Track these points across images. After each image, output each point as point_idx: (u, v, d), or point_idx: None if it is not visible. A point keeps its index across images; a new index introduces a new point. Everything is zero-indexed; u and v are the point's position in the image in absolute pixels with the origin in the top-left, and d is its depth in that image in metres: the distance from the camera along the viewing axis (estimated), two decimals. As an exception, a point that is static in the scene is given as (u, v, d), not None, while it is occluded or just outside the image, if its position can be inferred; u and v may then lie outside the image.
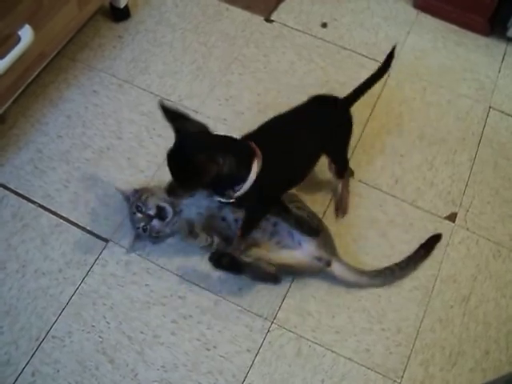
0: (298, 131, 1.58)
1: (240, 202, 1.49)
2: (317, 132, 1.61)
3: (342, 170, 1.82)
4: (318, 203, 1.86)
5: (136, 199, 1.66)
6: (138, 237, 1.70)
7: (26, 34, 1.66)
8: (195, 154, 1.33)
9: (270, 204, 1.59)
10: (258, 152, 1.44)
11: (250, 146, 1.45)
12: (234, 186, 1.44)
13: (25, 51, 1.67)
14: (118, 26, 2.23)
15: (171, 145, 1.38)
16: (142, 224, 1.64)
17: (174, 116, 1.39)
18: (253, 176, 1.42)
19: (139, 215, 1.65)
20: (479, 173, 1.99)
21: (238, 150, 1.43)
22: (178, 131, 1.38)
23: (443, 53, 2.31)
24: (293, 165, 1.58)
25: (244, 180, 1.42)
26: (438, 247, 1.81)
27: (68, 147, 1.92)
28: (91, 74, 2.10)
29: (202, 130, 1.40)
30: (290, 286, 1.71)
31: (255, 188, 1.44)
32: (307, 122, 1.61)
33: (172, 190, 1.41)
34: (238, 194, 1.45)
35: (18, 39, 1.65)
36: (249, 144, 1.45)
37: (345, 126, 1.72)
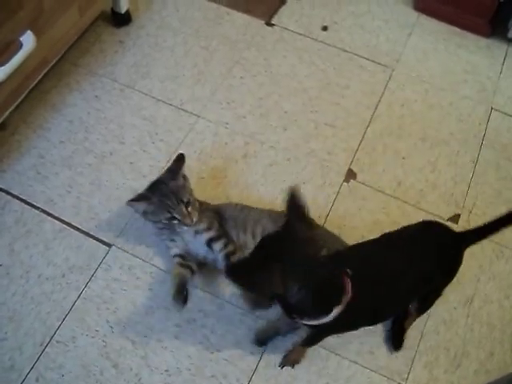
0: (400, 262, 1.37)
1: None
2: (421, 268, 1.39)
3: (425, 309, 1.63)
4: (320, 207, 1.86)
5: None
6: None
7: (28, 40, 1.67)
8: (271, 261, 1.16)
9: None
10: (348, 288, 1.22)
11: (341, 282, 1.23)
12: (303, 317, 1.26)
13: (26, 57, 1.68)
14: (119, 31, 2.24)
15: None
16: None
17: (294, 212, 1.23)
18: (331, 316, 1.22)
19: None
20: (482, 174, 1.99)
21: (322, 285, 1.19)
22: (284, 227, 1.21)
23: (444, 55, 2.31)
24: (385, 301, 1.37)
25: (317, 318, 1.23)
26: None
27: (70, 152, 1.92)
28: (93, 79, 2.10)
29: (305, 239, 1.20)
30: (293, 289, 1.71)
31: (330, 324, 1.25)
32: (413, 253, 1.40)
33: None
34: (308, 323, 1.27)
35: (20, 45, 1.66)
36: (341, 278, 1.23)
37: (452, 267, 1.47)
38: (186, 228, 1.62)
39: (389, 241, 1.43)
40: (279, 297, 1.20)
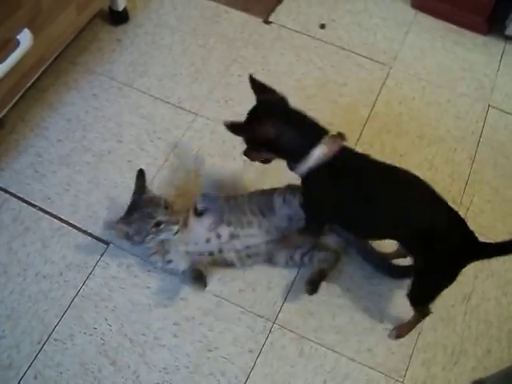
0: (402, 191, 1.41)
1: (304, 188, 1.48)
2: (407, 216, 1.41)
3: (414, 302, 1.58)
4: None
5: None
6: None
7: (25, 38, 1.67)
8: (256, 114, 1.42)
9: (318, 220, 1.57)
10: (333, 144, 1.37)
11: (323, 129, 1.40)
12: (294, 159, 1.41)
13: (24, 55, 1.67)
14: (116, 30, 2.24)
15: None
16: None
17: (260, 88, 1.46)
18: (316, 156, 1.36)
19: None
20: (479, 171, 1.99)
21: (303, 126, 1.40)
22: (257, 100, 1.45)
23: (442, 52, 2.32)
24: (371, 207, 1.42)
25: (303, 155, 1.37)
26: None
27: (68, 151, 1.93)
28: (91, 77, 2.10)
29: (278, 101, 1.45)
30: (290, 287, 1.72)
31: (319, 177, 1.39)
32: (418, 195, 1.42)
33: (246, 153, 1.50)
34: (300, 169, 1.40)
35: (17, 43, 1.65)
36: (322, 128, 1.40)
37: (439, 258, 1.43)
38: (174, 230, 1.60)
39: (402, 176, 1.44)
40: (271, 145, 1.41)
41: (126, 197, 1.80)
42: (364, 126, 2.05)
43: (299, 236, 1.66)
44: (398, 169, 1.43)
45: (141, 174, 1.69)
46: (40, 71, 1.90)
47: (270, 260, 1.72)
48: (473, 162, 2.02)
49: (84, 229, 1.78)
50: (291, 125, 1.39)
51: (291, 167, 1.44)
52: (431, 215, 1.40)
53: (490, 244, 1.41)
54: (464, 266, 1.44)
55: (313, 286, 1.63)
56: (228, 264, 1.69)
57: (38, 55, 1.82)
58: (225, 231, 1.65)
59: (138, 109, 2.04)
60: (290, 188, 1.71)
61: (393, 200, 1.40)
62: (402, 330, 1.66)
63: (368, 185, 1.39)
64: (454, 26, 2.39)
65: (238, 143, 1.99)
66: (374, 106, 2.11)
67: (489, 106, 2.17)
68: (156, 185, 1.84)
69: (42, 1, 1.73)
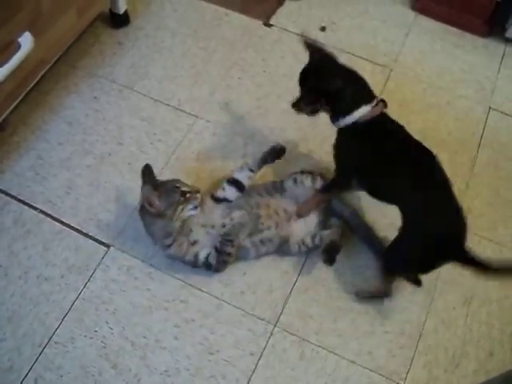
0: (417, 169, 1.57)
1: (339, 142, 1.63)
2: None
3: (384, 261, 1.68)
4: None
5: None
6: None
7: (26, 41, 1.67)
8: (321, 68, 1.56)
9: (346, 171, 1.68)
10: (377, 108, 1.54)
11: (372, 92, 1.56)
12: (344, 112, 1.55)
13: (25, 58, 1.68)
14: (117, 33, 2.24)
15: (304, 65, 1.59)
16: None
17: (313, 48, 1.58)
18: (362, 113, 1.52)
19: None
20: (480, 174, 1.99)
21: (359, 84, 1.56)
22: (311, 56, 1.58)
23: (442, 54, 2.32)
24: (388, 175, 1.57)
25: (353, 110, 1.53)
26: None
27: (69, 154, 1.93)
28: (91, 80, 2.10)
29: (334, 58, 1.59)
30: (291, 290, 1.71)
31: (353, 133, 1.56)
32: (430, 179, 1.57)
33: (296, 104, 1.60)
34: (344, 122, 1.55)
35: (18, 46, 1.66)
36: (372, 90, 1.57)
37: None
38: (199, 199, 1.66)
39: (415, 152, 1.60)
40: (331, 96, 1.54)
41: (126, 199, 1.80)
42: (365, 128, 2.05)
43: (321, 195, 1.75)
44: (424, 147, 1.59)
45: (147, 169, 1.69)
46: (41, 74, 1.90)
47: (282, 248, 1.75)
48: (474, 164, 2.02)
49: (85, 231, 1.78)
50: (352, 81, 1.54)
51: (335, 120, 1.58)
52: (441, 202, 1.53)
53: (472, 256, 1.49)
54: (442, 259, 1.54)
55: (329, 256, 1.67)
56: (242, 255, 1.71)
57: (38, 58, 1.82)
58: (237, 215, 1.69)
59: (138, 111, 2.04)
60: (301, 171, 1.83)
61: (411, 171, 1.55)
62: (360, 292, 1.72)
63: (394, 148, 1.56)
64: (454, 29, 2.40)
65: (239, 145, 2.00)
66: (374, 108, 2.11)
67: (489, 108, 2.17)
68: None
69: (42, 4, 1.74)
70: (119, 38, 2.23)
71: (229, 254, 1.66)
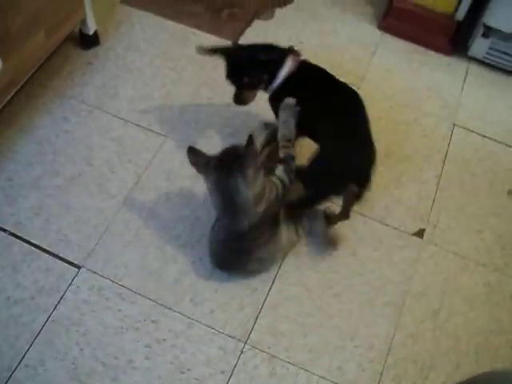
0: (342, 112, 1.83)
1: (274, 98, 1.86)
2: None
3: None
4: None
5: None
6: None
7: (-6, 63, 1.68)
8: (254, 54, 1.82)
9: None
10: (294, 59, 1.84)
11: (284, 49, 1.85)
12: (270, 80, 1.83)
13: (-7, 81, 1.68)
14: (87, 53, 2.25)
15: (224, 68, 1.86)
16: None
17: (214, 50, 1.85)
18: (286, 69, 1.82)
19: None
20: (445, 189, 2.04)
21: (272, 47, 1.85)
22: (225, 54, 1.85)
23: (408, 72, 2.37)
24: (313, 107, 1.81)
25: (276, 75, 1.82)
26: (408, 264, 1.85)
27: (39, 174, 1.92)
28: (61, 100, 2.11)
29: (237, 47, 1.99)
30: (262, 307, 1.73)
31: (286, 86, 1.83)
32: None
33: (238, 98, 1.88)
34: (275, 84, 1.83)
35: (-14, 69, 1.66)
36: (282, 49, 1.85)
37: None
38: None
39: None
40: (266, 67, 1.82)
41: (96, 220, 1.80)
42: (333, 145, 2.08)
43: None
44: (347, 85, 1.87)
45: (191, 150, 1.65)
46: (10, 95, 1.90)
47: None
48: (439, 179, 2.06)
49: (55, 253, 1.77)
50: (268, 46, 1.85)
51: (269, 86, 1.84)
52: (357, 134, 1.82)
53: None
54: (336, 188, 1.78)
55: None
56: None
57: (7, 79, 1.83)
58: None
59: (108, 132, 2.05)
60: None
61: (330, 104, 1.81)
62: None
63: (316, 88, 1.84)
64: (420, 47, 2.46)
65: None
66: (342, 125, 2.14)
67: (454, 124, 2.22)
68: (127, 207, 1.85)
69: (11, 25, 1.74)
70: (89, 58, 2.24)
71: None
